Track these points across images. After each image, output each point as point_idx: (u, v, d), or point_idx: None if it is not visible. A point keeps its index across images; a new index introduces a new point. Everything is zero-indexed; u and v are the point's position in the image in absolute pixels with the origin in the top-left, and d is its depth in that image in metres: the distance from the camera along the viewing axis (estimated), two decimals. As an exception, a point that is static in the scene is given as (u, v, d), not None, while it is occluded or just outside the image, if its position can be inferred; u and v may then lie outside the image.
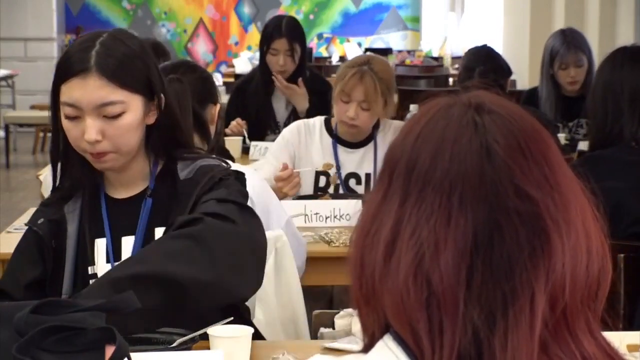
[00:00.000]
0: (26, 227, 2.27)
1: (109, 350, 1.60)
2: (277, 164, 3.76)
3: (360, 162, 3.90)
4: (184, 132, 2.28)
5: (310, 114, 4.58)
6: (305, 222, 3.45)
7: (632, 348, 2.03)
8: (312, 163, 3.88)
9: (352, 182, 3.90)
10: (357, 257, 1.10)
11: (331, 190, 3.87)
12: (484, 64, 4.63)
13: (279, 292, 2.73)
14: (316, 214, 3.49)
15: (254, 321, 2.52)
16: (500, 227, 1.03)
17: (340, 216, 3.49)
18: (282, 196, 3.40)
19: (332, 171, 3.88)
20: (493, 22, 11.18)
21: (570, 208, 1.06)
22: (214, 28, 14.73)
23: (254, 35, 13.88)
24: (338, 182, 3.89)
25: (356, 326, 2.19)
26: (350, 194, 3.83)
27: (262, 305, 2.68)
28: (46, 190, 2.31)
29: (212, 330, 2.02)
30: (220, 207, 2.09)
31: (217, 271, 1.97)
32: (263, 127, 5.06)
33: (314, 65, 9.12)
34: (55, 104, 2.16)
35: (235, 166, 2.53)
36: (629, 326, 2.64)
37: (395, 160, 1.09)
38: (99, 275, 2.19)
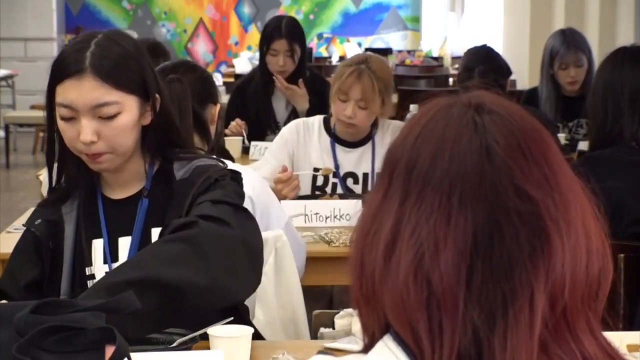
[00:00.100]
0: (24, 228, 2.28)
1: (109, 350, 1.60)
2: (276, 163, 3.76)
3: (358, 161, 3.90)
4: (180, 133, 2.28)
5: (310, 114, 4.58)
6: (305, 222, 3.45)
7: (632, 348, 2.03)
8: (310, 162, 3.88)
9: (349, 182, 3.90)
10: (357, 257, 1.10)
11: (328, 189, 3.87)
12: (484, 63, 4.63)
13: (279, 292, 2.73)
14: (316, 214, 3.48)
15: (254, 321, 2.52)
16: (500, 227, 1.03)
17: (340, 216, 3.49)
18: (281, 198, 3.40)
19: (331, 176, 3.88)
20: (493, 22, 11.18)
21: (570, 208, 1.06)
22: (214, 28, 14.73)
23: (254, 35, 13.88)
24: (335, 181, 3.89)
25: (356, 326, 2.19)
26: (348, 193, 3.83)
27: (262, 305, 2.68)
28: (46, 190, 2.31)
29: (212, 330, 2.02)
30: (215, 209, 2.08)
31: (212, 275, 1.97)
32: (263, 127, 5.06)
33: (314, 65, 9.12)
34: (50, 105, 2.16)
35: (234, 166, 2.53)
36: (629, 326, 2.64)
37: (395, 160, 1.09)
38: (97, 275, 2.19)
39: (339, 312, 2.40)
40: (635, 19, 7.68)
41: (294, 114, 4.97)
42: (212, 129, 3.03)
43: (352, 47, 13.16)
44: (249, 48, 13.97)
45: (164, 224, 2.15)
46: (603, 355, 1.07)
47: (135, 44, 2.19)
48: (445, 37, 13.35)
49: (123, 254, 2.20)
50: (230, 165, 2.36)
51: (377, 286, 1.07)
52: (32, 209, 2.35)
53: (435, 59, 11.46)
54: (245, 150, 4.83)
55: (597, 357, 1.06)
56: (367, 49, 12.20)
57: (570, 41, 4.99)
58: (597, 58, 4.49)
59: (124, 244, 2.21)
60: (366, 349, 1.10)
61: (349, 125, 3.82)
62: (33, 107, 11.80)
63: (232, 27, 14.73)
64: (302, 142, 3.92)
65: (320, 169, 3.86)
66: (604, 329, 1.10)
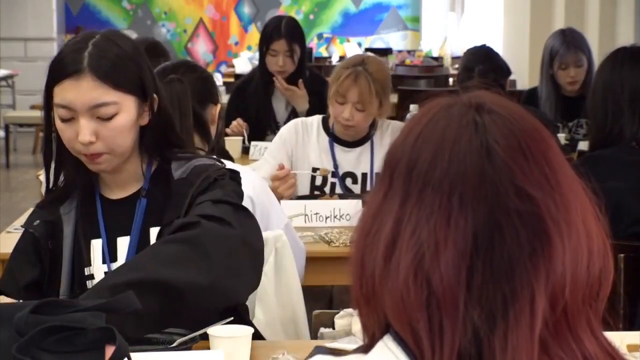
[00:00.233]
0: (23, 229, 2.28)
1: (109, 350, 1.60)
2: (275, 163, 3.76)
3: (356, 161, 3.90)
4: (178, 133, 2.28)
5: (310, 114, 4.58)
6: (305, 222, 3.46)
7: (633, 348, 2.03)
8: (309, 162, 3.88)
9: (348, 182, 3.90)
10: (358, 257, 1.10)
11: (327, 189, 3.87)
12: (483, 63, 4.63)
13: (279, 292, 2.73)
14: (316, 214, 3.49)
15: (254, 321, 2.51)
16: (500, 228, 1.03)
17: (340, 216, 3.49)
18: (277, 196, 3.40)
19: (330, 176, 3.88)
20: (493, 22, 11.18)
21: (571, 208, 1.06)
22: (214, 28, 14.73)
23: (254, 35, 13.88)
24: (334, 181, 3.89)
25: (356, 326, 2.19)
26: (347, 193, 3.83)
27: (262, 305, 2.68)
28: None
29: (212, 330, 2.02)
30: (216, 209, 2.08)
31: (214, 275, 1.97)
32: (263, 127, 5.06)
33: (314, 65, 9.12)
34: (48, 105, 2.16)
35: (234, 166, 2.53)
36: (630, 326, 2.64)
37: (395, 160, 1.09)
38: (96, 275, 2.20)
39: (339, 312, 2.40)
40: (635, 19, 7.68)
41: (293, 114, 4.97)
42: (213, 129, 3.03)
43: (352, 47, 13.16)
44: (249, 48, 13.96)
45: (162, 223, 2.15)
46: (603, 355, 1.07)
47: (133, 45, 2.19)
48: (445, 37, 13.35)
49: (122, 254, 2.20)
50: (230, 165, 2.36)
51: (377, 286, 1.07)
52: (31, 210, 2.35)
53: (435, 59, 11.46)
54: (245, 150, 4.84)
55: (597, 357, 1.06)
56: (367, 49, 12.20)
57: (570, 41, 4.99)
58: (597, 58, 4.49)
59: (123, 243, 2.21)
60: (366, 349, 1.10)
61: (347, 127, 3.83)
62: (33, 107, 11.80)
63: (232, 27, 14.73)
64: (301, 141, 3.92)
65: (319, 168, 3.86)
66: (604, 329, 1.10)
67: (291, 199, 3.61)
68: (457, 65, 9.22)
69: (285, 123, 4.73)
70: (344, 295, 3.44)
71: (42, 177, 3.75)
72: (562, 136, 4.88)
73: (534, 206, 1.04)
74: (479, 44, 5.16)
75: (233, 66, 11.49)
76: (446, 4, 14.17)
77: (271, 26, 5.04)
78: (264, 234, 2.30)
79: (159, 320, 1.93)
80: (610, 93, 3.01)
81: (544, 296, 1.03)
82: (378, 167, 3.30)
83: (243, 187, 2.25)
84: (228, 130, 4.85)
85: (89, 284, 2.19)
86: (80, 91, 2.10)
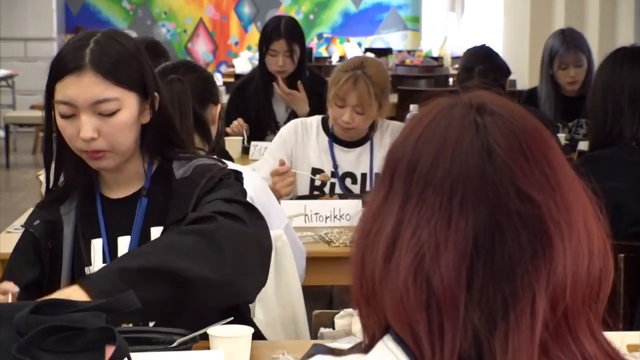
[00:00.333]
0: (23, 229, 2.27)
1: (109, 350, 1.60)
2: (274, 163, 3.76)
3: (356, 161, 3.91)
4: (179, 132, 2.28)
5: (310, 114, 4.58)
6: (305, 222, 3.46)
7: (632, 348, 2.03)
8: (308, 162, 3.88)
9: (348, 182, 3.91)
10: (358, 258, 1.10)
11: (327, 189, 3.87)
12: (483, 63, 4.63)
13: (279, 292, 2.73)
14: (316, 214, 3.49)
15: (254, 321, 2.51)
16: (501, 229, 1.03)
17: (340, 216, 3.49)
18: (275, 194, 3.40)
19: (328, 179, 3.88)
20: (493, 22, 11.18)
21: (571, 209, 1.05)
22: (214, 28, 14.73)
23: (254, 35, 13.87)
24: (334, 181, 3.89)
25: (356, 326, 2.19)
26: (347, 193, 3.83)
27: (262, 305, 2.68)
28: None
29: (212, 330, 2.02)
30: (229, 206, 2.08)
31: (225, 271, 1.96)
32: (263, 127, 5.06)
33: (314, 65, 9.12)
34: (48, 104, 2.16)
35: (234, 166, 2.53)
36: (629, 326, 2.64)
37: (396, 161, 1.09)
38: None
39: (339, 312, 2.40)
40: (635, 19, 7.68)
41: (293, 114, 4.97)
42: (213, 129, 3.02)
43: (352, 47, 13.15)
44: (249, 48, 13.96)
45: (164, 223, 2.15)
46: (603, 356, 1.07)
47: (134, 43, 2.19)
48: (445, 37, 13.35)
49: (122, 254, 2.19)
50: (230, 165, 2.36)
51: (377, 287, 1.07)
52: (31, 210, 2.35)
53: (435, 59, 11.45)
54: (245, 150, 4.83)
55: (597, 358, 1.06)
56: (367, 49, 12.20)
57: (570, 41, 4.99)
58: (597, 58, 4.49)
59: (123, 243, 2.21)
60: (366, 349, 1.10)
61: (346, 130, 3.84)
62: (33, 107, 11.79)
63: (232, 27, 14.73)
64: (301, 142, 3.92)
65: (319, 171, 3.86)
66: (604, 329, 1.10)
67: (291, 199, 3.61)
68: (457, 65, 9.21)
69: (285, 123, 4.73)
70: (344, 295, 3.44)
71: (42, 177, 3.74)
72: (562, 136, 4.87)
73: (535, 207, 1.03)
74: (479, 44, 5.15)
75: (233, 66, 11.49)
76: (446, 4, 14.17)
77: (271, 26, 5.04)
78: (265, 234, 2.29)
79: (166, 310, 1.93)
80: (610, 93, 3.01)
81: (544, 298, 1.03)
82: (378, 167, 3.31)
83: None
84: (228, 130, 4.84)
85: (89, 284, 2.18)
86: (82, 87, 2.10)
